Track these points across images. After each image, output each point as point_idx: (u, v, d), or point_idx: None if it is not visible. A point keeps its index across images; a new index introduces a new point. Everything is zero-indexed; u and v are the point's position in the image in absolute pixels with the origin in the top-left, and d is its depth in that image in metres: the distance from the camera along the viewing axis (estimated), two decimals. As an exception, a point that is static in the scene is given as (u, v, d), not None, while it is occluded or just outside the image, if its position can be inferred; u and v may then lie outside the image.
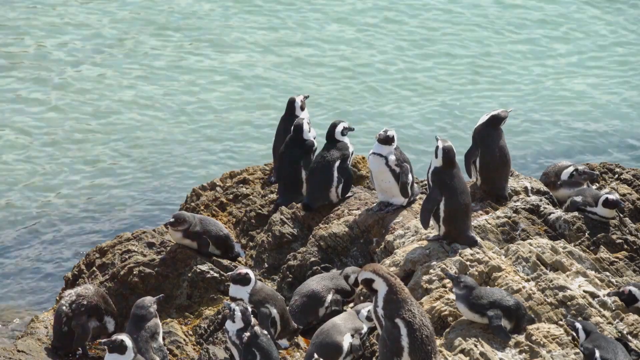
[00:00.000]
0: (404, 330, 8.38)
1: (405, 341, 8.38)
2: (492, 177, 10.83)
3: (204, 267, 10.87)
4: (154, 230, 11.34)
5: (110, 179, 15.71)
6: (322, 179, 11.21)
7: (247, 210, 11.97)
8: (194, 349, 10.17)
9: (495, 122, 10.80)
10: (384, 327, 8.45)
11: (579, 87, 18.74)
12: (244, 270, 9.67)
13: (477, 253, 9.59)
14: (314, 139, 11.80)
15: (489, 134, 10.79)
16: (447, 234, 9.76)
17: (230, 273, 9.77)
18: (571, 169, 11.36)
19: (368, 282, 8.53)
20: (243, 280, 9.63)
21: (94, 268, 11.05)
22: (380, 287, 8.48)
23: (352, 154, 11.46)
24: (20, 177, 15.69)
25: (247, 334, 8.93)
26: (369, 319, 9.28)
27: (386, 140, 10.53)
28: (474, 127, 10.97)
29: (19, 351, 10.11)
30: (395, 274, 9.07)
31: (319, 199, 11.25)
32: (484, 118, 10.87)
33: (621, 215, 10.69)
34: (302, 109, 12.22)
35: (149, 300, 9.65)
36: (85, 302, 10.20)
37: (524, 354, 8.79)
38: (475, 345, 8.74)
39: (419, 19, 21.20)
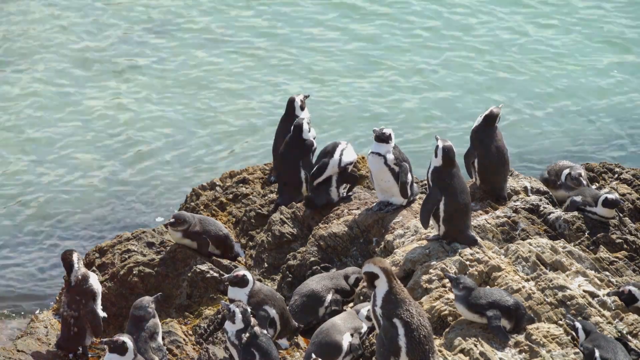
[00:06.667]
0: (401, 330, 8.38)
1: (402, 341, 8.38)
2: (490, 178, 10.83)
3: (204, 267, 10.88)
4: (153, 230, 11.35)
5: (109, 178, 15.70)
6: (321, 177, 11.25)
7: (246, 210, 11.97)
8: (194, 349, 10.17)
9: (489, 120, 10.82)
10: (382, 326, 8.45)
11: (579, 87, 18.73)
12: (241, 272, 9.64)
13: (477, 253, 9.59)
14: (314, 138, 11.80)
15: (486, 134, 10.80)
16: (447, 234, 9.75)
17: (227, 276, 9.74)
18: (567, 171, 11.36)
19: (371, 277, 8.46)
20: (241, 282, 9.61)
21: (94, 268, 11.06)
22: (382, 285, 8.46)
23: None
24: (20, 178, 15.69)
25: (247, 334, 8.93)
26: (368, 318, 9.27)
27: (382, 137, 10.51)
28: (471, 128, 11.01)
29: (18, 351, 10.12)
30: (395, 274, 9.07)
31: (322, 197, 11.26)
32: (479, 119, 10.90)
33: (621, 215, 10.69)
34: (302, 108, 12.22)
35: (147, 300, 9.66)
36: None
37: (523, 353, 8.79)
38: (475, 345, 8.74)
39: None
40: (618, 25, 20.82)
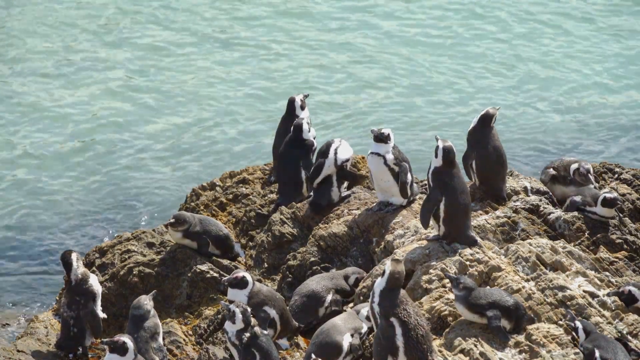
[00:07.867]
0: (398, 330, 8.39)
1: (400, 341, 8.39)
2: (489, 178, 10.83)
3: (204, 267, 10.87)
4: (153, 230, 11.35)
5: (109, 179, 15.71)
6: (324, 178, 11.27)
7: (246, 210, 11.97)
8: (194, 349, 10.17)
9: (485, 121, 10.82)
10: (379, 325, 8.46)
11: (580, 87, 18.73)
12: (240, 273, 9.64)
13: (477, 253, 9.59)
14: (314, 138, 11.80)
15: (482, 135, 10.80)
16: (447, 234, 9.75)
17: (226, 278, 9.74)
18: (575, 166, 11.33)
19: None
20: (240, 284, 9.61)
21: (94, 268, 11.06)
22: (382, 283, 8.50)
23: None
24: (20, 178, 15.69)
25: (247, 334, 8.93)
26: (368, 319, 9.27)
27: (381, 137, 10.49)
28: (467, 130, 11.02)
29: (18, 351, 10.12)
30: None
31: (325, 198, 11.26)
32: (475, 120, 10.91)
33: (621, 215, 10.69)
34: (302, 108, 12.22)
35: (144, 299, 9.66)
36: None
37: (523, 353, 8.79)
38: (475, 345, 8.74)
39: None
40: (621, 25, 20.82)
